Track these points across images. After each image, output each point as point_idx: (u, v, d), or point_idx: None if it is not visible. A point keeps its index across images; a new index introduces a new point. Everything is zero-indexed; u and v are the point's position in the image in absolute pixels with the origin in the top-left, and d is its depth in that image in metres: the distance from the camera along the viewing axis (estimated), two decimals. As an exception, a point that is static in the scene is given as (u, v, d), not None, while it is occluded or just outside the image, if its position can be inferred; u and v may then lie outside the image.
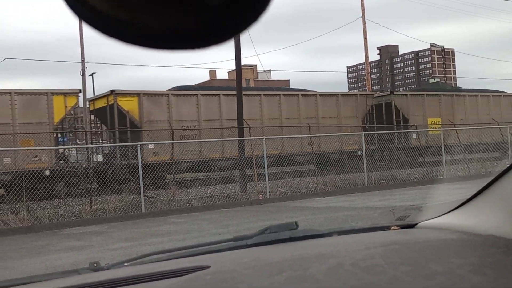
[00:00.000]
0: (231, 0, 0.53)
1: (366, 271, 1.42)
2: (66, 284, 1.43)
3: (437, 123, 25.28)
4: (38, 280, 1.60)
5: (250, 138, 19.11)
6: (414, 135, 24.22)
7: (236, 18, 0.56)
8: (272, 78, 50.16)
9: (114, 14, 0.54)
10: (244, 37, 28.38)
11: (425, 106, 25.74)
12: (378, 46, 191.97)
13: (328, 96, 24.10)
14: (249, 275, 1.39)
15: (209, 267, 1.42)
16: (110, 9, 0.54)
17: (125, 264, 1.75)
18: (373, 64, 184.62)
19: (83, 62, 28.38)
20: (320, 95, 23.89)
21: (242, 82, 19.03)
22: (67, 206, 15.27)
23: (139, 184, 14.55)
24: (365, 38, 33.88)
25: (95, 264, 1.75)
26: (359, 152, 20.01)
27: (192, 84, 38.13)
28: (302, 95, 23.44)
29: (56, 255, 8.96)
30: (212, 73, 49.17)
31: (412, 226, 1.99)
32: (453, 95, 27.87)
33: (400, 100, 25.34)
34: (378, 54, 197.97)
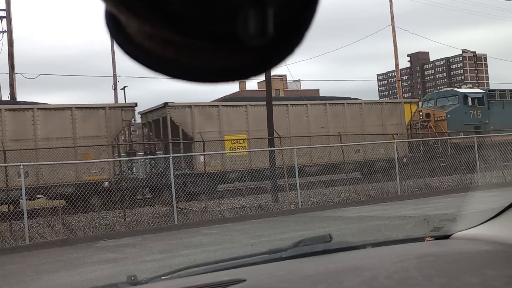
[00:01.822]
0: (271, 40, 0.56)
1: (401, 283, 1.43)
2: None
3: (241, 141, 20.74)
4: None
5: (288, 147, 18.98)
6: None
7: (276, 54, 0.59)
8: (302, 88, 50.07)
9: (160, 52, 0.58)
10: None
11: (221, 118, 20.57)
12: (409, 53, 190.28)
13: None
14: None
15: (245, 280, 1.44)
16: (158, 48, 0.58)
17: (162, 277, 1.78)
18: (403, 71, 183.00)
19: (114, 76, 28.84)
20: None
21: (271, 93, 19.13)
22: (101, 218, 15.51)
23: (172, 196, 14.69)
24: (395, 46, 33.65)
25: (132, 278, 1.79)
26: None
27: (222, 95, 38.43)
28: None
29: (92, 267, 9.08)
30: (242, 84, 49.40)
31: (446, 237, 1.98)
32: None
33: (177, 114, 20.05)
34: (408, 61, 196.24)
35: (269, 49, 0.58)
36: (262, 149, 19.10)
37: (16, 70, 25.61)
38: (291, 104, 22.04)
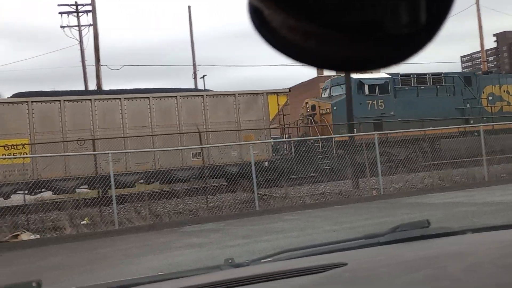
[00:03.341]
0: (412, 29, 0.56)
1: (506, 269, 1.38)
2: (213, 279, 1.50)
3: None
4: (185, 276, 1.69)
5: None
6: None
7: (419, 42, 0.59)
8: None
9: (303, 43, 0.59)
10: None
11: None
12: (495, 33, 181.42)
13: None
14: (386, 273, 1.39)
15: (346, 264, 1.44)
16: (301, 40, 0.59)
17: (261, 260, 1.81)
18: (489, 52, 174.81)
19: (194, 65, 29.42)
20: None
21: (349, 80, 18.96)
22: (184, 204, 15.96)
23: (253, 182, 14.87)
24: (480, 26, 32.18)
25: (230, 261, 1.83)
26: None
27: (299, 82, 38.17)
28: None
29: (178, 251, 9.36)
30: (320, 71, 49.07)
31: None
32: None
33: None
34: (494, 41, 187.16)
35: (413, 38, 0.58)
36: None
37: (101, 62, 26.69)
38: (104, 99, 18.13)
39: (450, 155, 19.60)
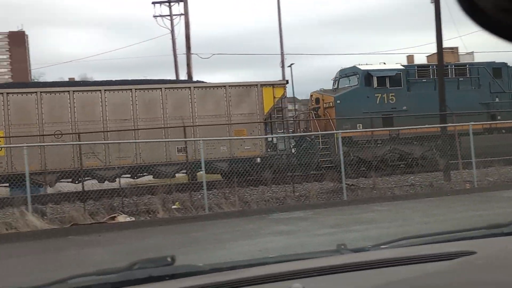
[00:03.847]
0: None
1: None
2: (338, 262, 1.52)
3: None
4: (305, 258, 1.72)
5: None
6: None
7: None
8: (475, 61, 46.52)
9: None
10: (445, 17, 26.96)
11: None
12: None
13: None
14: None
15: (475, 252, 1.41)
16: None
17: (381, 246, 1.80)
18: None
19: (282, 54, 29.47)
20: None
21: (443, 66, 18.25)
22: (272, 192, 16.11)
23: (341, 172, 14.77)
24: None
25: (342, 246, 1.83)
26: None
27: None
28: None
29: (267, 238, 9.47)
30: (410, 58, 47.60)
31: None
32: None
33: None
34: None
35: None
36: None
37: (192, 51, 27.33)
38: (82, 91, 17.53)
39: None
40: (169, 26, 30.43)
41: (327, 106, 20.35)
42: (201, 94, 18.22)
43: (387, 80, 20.16)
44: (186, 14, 27.51)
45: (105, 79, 19.54)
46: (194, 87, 18.35)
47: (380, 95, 20.08)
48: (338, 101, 19.81)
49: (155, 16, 30.09)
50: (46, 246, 10.21)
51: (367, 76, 20.08)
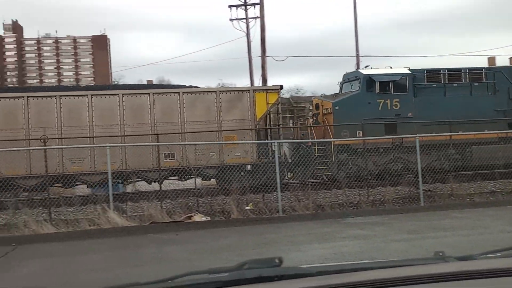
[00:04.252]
0: None
1: None
2: (444, 270, 1.49)
3: None
4: (404, 265, 1.69)
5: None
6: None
7: None
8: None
9: None
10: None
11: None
12: None
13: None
14: None
15: None
16: None
17: (490, 255, 1.74)
18: None
19: (357, 56, 29.15)
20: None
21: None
22: (346, 196, 15.94)
23: (418, 178, 14.43)
24: None
25: (440, 254, 1.79)
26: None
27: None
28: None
29: (342, 242, 9.39)
30: (491, 59, 45.91)
31: None
32: None
33: None
34: None
35: None
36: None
37: (267, 53, 27.52)
38: (69, 96, 17.52)
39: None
40: (245, 29, 30.80)
41: (326, 112, 19.52)
42: (191, 99, 17.96)
43: (391, 85, 19.04)
44: (262, 17, 27.75)
45: (181, 83, 20.02)
46: (183, 92, 18.07)
47: (383, 101, 18.96)
48: (337, 107, 18.91)
49: (231, 20, 30.56)
50: (126, 242, 10.58)
51: (369, 81, 19.01)
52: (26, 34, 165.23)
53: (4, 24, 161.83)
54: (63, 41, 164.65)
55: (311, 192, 15.21)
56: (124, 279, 7.28)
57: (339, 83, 20.84)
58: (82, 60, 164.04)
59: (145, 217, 12.96)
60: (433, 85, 19.40)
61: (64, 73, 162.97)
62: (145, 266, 8.10)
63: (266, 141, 18.13)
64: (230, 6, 30.58)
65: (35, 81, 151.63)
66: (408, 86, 19.09)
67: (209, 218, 13.20)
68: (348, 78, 20.14)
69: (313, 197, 14.85)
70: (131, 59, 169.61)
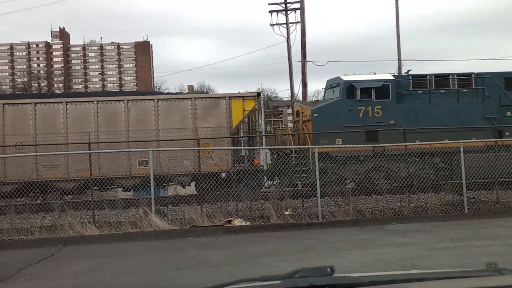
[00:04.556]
0: None
1: None
2: (503, 283, 1.46)
3: None
4: (463, 276, 1.65)
5: None
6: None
7: None
8: None
9: None
10: None
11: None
12: None
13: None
14: None
15: None
16: None
17: None
18: None
19: (399, 60, 28.80)
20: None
21: None
22: (386, 202, 15.74)
23: (462, 184, 14.13)
24: None
25: (493, 265, 1.75)
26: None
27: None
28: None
29: (383, 249, 9.27)
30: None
31: None
32: None
33: None
34: None
35: None
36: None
37: (307, 58, 27.47)
38: (44, 103, 17.79)
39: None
40: (285, 34, 30.84)
41: (305, 119, 18.94)
42: (166, 106, 17.93)
43: (373, 92, 18.37)
44: (302, 22, 27.74)
45: (222, 88, 20.26)
46: (158, 99, 18.07)
47: (364, 108, 18.30)
48: (315, 115, 18.32)
49: (271, 25, 30.63)
50: (167, 245, 10.71)
51: (350, 87, 18.36)
52: (72, 41, 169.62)
53: (52, 32, 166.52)
54: (107, 47, 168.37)
55: (351, 197, 15.09)
56: (165, 282, 7.39)
57: (323, 89, 20.42)
58: (125, 65, 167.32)
59: (186, 221, 13.10)
60: (419, 92, 18.77)
61: (108, 79, 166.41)
62: (186, 269, 8.18)
63: (256, 147, 18.37)
64: (271, 12, 30.69)
65: (80, 86, 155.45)
66: (391, 93, 18.47)
67: (248, 223, 13.24)
68: (330, 85, 19.67)
69: (353, 203, 14.72)
70: (173, 64, 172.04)
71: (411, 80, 18.83)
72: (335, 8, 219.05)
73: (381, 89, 18.33)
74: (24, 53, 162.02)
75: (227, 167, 17.18)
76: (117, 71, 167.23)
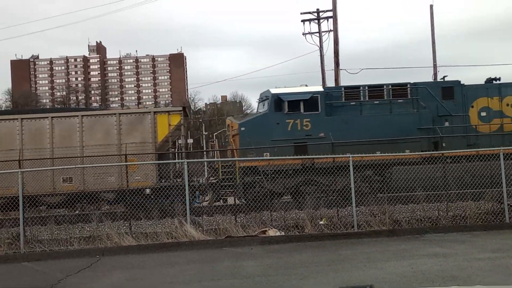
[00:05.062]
0: None
1: None
2: None
3: None
4: None
5: None
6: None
7: None
8: None
9: None
10: None
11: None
12: None
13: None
14: None
15: None
16: None
17: None
18: None
19: (434, 66, 28.44)
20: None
21: None
22: (424, 211, 15.45)
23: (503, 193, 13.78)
24: None
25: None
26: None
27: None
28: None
29: (421, 260, 9.11)
30: None
31: None
32: None
33: None
34: None
35: None
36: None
37: (340, 66, 27.36)
38: None
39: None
40: (318, 43, 30.79)
41: (234, 133, 18.57)
42: (91, 123, 17.93)
43: (301, 105, 18.01)
44: (335, 30, 27.67)
45: (254, 97, 20.28)
46: (82, 116, 18.05)
47: (292, 121, 17.94)
48: (242, 128, 18.01)
49: (304, 34, 30.62)
50: (202, 256, 10.76)
51: (277, 100, 18.03)
52: (109, 55, 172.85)
53: (89, 46, 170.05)
54: (142, 60, 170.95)
55: (387, 206, 14.89)
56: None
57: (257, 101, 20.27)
58: (160, 77, 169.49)
59: (221, 231, 13.12)
60: (352, 103, 18.40)
61: (143, 91, 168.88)
62: (222, 280, 8.20)
63: (175, 160, 18.27)
64: (303, 21, 30.68)
65: (116, 98, 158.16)
66: (320, 105, 18.08)
67: (283, 233, 13.19)
68: (262, 98, 19.35)
69: (389, 212, 14.52)
70: (207, 75, 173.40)
71: (343, 92, 18.58)
72: (367, 15, 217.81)
73: (309, 102, 18.02)
74: (63, 68, 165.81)
75: (152, 183, 17.30)
76: (152, 83, 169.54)
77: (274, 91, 18.47)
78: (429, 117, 18.42)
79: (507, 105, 18.77)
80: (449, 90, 18.69)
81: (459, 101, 18.65)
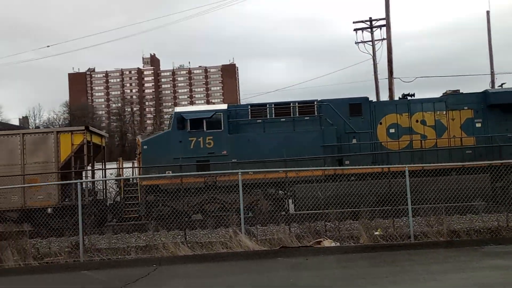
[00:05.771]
0: None
1: None
2: None
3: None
4: None
5: None
6: None
7: None
8: None
9: None
10: None
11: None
12: None
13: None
14: None
15: None
16: None
17: None
18: None
19: (492, 73, 27.69)
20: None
21: None
22: (483, 222, 15.03)
23: None
24: None
25: None
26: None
27: None
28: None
29: (482, 272, 8.88)
30: None
31: None
32: None
33: None
34: None
35: None
36: None
37: (394, 75, 27.01)
38: None
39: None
40: (371, 51, 30.54)
41: (140, 151, 18.66)
42: None
43: (204, 123, 18.22)
44: (388, 38, 27.37)
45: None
46: None
47: (195, 139, 18.15)
48: (145, 147, 18.22)
49: (357, 43, 30.45)
50: (257, 266, 10.80)
51: (180, 118, 18.26)
52: (162, 66, 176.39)
53: (143, 58, 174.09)
54: (195, 71, 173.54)
55: (445, 217, 14.56)
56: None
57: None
58: (212, 88, 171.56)
59: (275, 241, 13.14)
60: (258, 121, 18.55)
61: (196, 102, 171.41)
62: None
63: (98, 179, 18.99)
64: (356, 30, 30.53)
65: (170, 110, 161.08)
66: (223, 123, 18.28)
67: (338, 243, 13.08)
68: (170, 116, 19.76)
69: (447, 223, 14.19)
70: (258, 85, 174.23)
71: (249, 110, 18.78)
72: (420, 22, 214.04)
73: (212, 120, 18.31)
74: (118, 80, 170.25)
75: (54, 202, 17.57)
76: (204, 94, 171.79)
77: (178, 109, 19.02)
78: (334, 134, 18.35)
79: (417, 121, 18.71)
80: (357, 107, 18.72)
81: (367, 118, 18.66)
